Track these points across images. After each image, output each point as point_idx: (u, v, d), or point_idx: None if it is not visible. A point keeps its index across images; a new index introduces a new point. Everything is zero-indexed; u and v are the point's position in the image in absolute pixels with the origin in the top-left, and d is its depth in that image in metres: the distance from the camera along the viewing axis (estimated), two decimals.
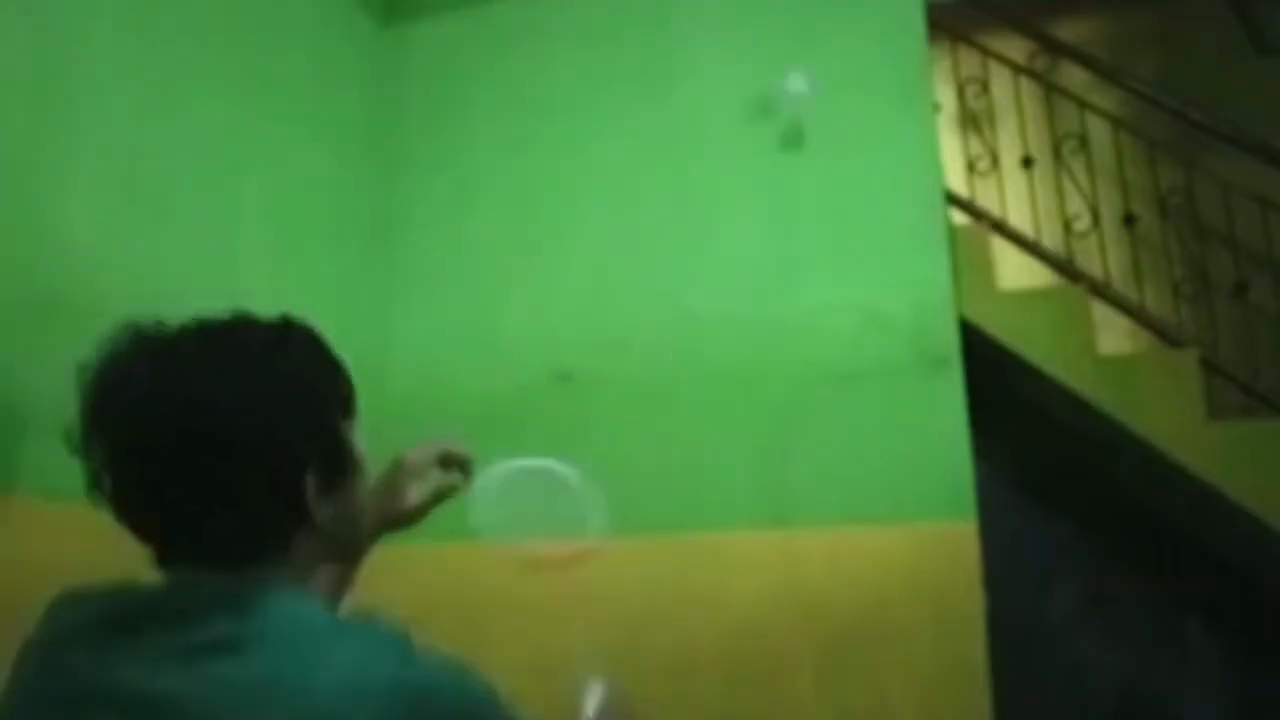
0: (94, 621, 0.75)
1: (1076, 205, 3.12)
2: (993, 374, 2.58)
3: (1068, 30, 3.50)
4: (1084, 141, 3.11)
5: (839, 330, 2.06)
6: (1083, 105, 3.13)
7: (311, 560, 0.83)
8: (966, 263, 2.72)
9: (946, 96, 3.29)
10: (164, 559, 0.78)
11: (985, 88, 3.29)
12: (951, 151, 3.22)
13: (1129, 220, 3.05)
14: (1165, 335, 2.91)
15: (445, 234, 2.40)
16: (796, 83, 2.10)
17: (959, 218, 3.08)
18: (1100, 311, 2.91)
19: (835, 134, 2.16)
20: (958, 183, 3.18)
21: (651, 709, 1.99)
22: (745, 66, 2.24)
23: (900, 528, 1.93)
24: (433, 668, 0.74)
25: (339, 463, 0.83)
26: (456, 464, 1.10)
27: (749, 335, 2.11)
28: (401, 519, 1.07)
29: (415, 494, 1.07)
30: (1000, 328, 2.76)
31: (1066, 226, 3.11)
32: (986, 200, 3.16)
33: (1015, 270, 3.10)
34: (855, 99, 2.15)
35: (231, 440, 0.74)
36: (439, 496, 1.08)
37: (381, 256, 2.38)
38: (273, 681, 0.67)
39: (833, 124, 2.16)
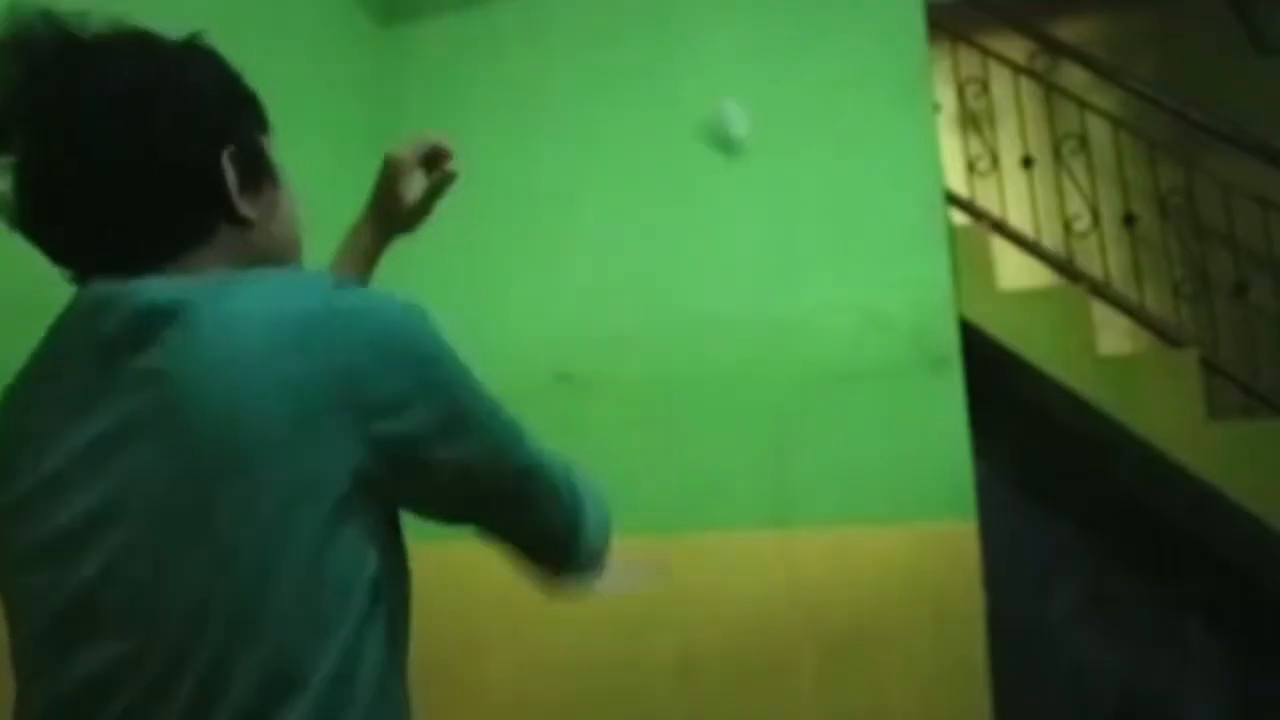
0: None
1: (1076, 205, 3.12)
2: (993, 374, 2.58)
3: (1068, 30, 3.50)
4: (1084, 141, 3.11)
5: (839, 330, 2.06)
6: (1083, 105, 3.13)
7: (242, 260, 0.78)
8: (966, 263, 2.73)
9: (946, 96, 3.29)
10: (83, 266, 0.75)
11: (985, 88, 3.29)
12: (951, 151, 3.22)
13: (1129, 220, 3.05)
14: (1165, 335, 2.91)
15: (445, 234, 2.40)
16: (734, 122, 2.16)
17: (959, 218, 3.08)
18: (1100, 311, 2.90)
19: (835, 134, 2.16)
20: (958, 183, 3.18)
21: (652, 709, 2.00)
22: (746, 66, 2.24)
23: (900, 528, 1.93)
24: (355, 295, 0.72)
25: (258, 163, 0.81)
26: (441, 157, 1.07)
27: (749, 335, 2.11)
28: (405, 218, 1.06)
29: (412, 193, 1.05)
30: (1000, 328, 2.76)
31: (1066, 226, 3.11)
32: (986, 200, 3.16)
33: (1015, 270, 3.10)
34: (855, 99, 2.15)
35: (142, 122, 0.71)
36: (435, 191, 1.06)
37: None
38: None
39: (833, 124, 2.16)
